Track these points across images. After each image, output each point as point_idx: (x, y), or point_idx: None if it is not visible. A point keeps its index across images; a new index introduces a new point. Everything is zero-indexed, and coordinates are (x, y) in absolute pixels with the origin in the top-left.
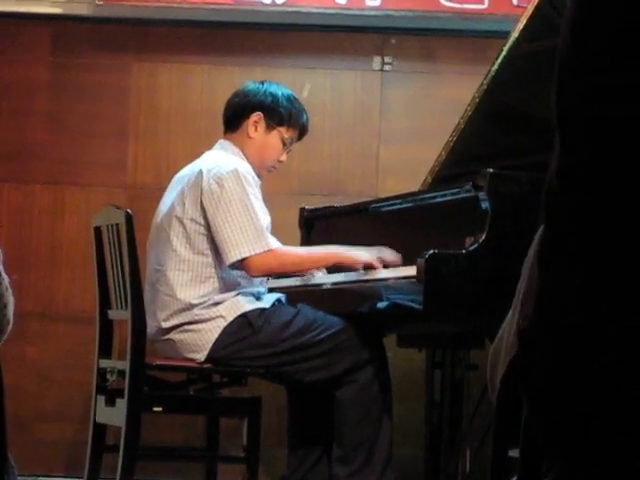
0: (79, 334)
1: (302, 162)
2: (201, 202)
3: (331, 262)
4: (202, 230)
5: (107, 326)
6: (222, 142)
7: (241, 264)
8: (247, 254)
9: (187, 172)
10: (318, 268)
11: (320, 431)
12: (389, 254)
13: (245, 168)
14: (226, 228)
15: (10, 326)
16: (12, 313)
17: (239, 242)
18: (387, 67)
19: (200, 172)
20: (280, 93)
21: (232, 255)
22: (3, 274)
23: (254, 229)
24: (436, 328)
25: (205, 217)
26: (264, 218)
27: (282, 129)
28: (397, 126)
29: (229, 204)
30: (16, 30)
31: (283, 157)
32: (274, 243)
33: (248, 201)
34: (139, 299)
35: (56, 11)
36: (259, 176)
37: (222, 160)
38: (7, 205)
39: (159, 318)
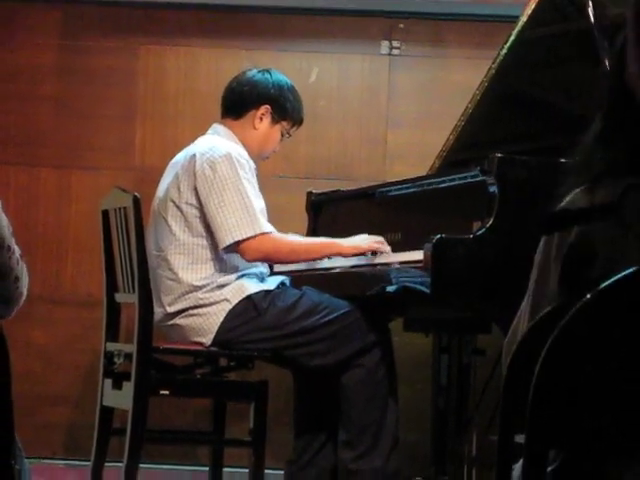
0: (86, 318)
1: (309, 146)
2: (195, 186)
3: (327, 254)
4: (198, 213)
5: (114, 309)
6: (216, 126)
7: (236, 248)
8: (240, 237)
9: (180, 157)
10: (314, 259)
11: (326, 415)
12: (383, 243)
13: (238, 152)
14: (219, 213)
15: (23, 298)
16: (26, 286)
17: (232, 226)
18: (395, 51)
19: (193, 156)
20: (285, 86)
21: (226, 239)
22: (14, 247)
23: (247, 213)
24: (443, 313)
25: (200, 201)
26: (258, 202)
27: (284, 123)
28: (405, 110)
29: (222, 189)
30: (24, 13)
31: (277, 148)
32: (269, 227)
33: (241, 185)
34: (146, 282)
35: None
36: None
37: (215, 144)
38: (14, 189)
39: (164, 303)
